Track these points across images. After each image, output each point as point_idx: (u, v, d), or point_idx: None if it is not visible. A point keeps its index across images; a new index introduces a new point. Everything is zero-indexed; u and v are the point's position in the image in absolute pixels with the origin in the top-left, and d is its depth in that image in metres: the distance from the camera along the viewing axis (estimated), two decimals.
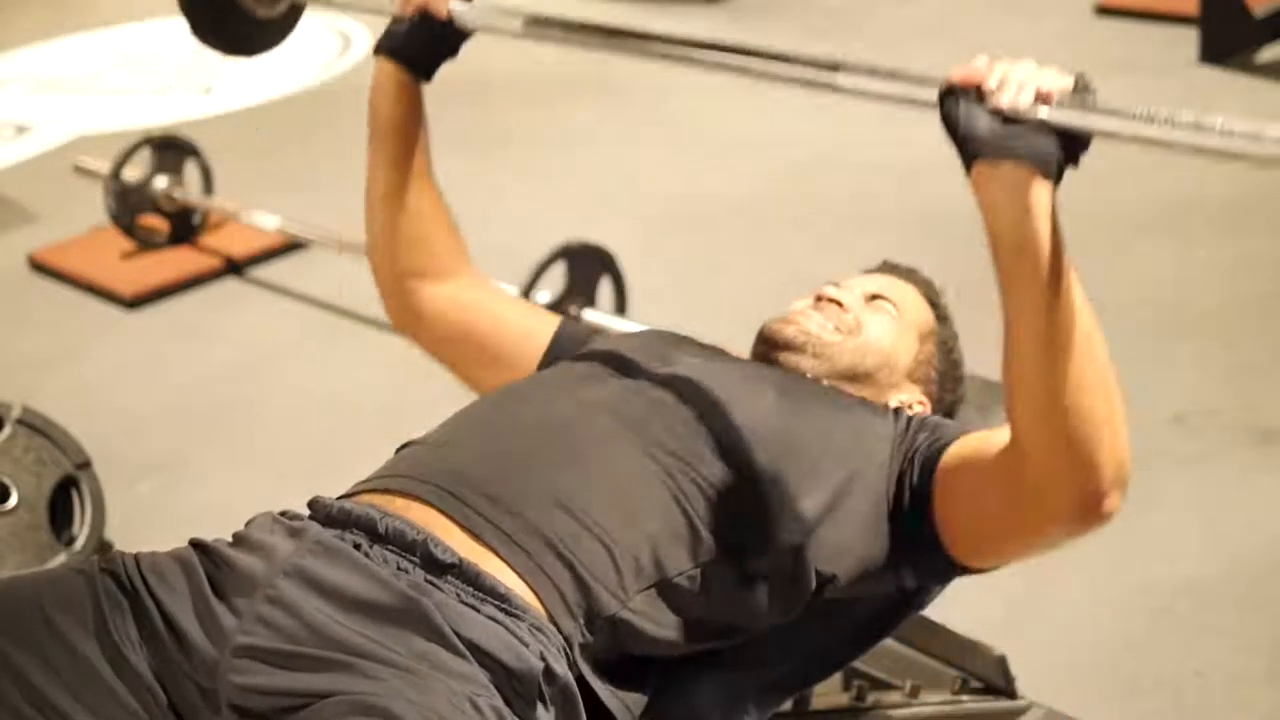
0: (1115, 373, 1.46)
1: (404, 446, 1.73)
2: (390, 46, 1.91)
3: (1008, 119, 1.39)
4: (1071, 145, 1.39)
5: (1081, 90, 1.39)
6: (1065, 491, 1.46)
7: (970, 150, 1.41)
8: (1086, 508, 1.46)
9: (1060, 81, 1.39)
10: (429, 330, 1.97)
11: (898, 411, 1.72)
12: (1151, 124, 1.33)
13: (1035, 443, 1.47)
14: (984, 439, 1.61)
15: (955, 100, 1.41)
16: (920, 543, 1.62)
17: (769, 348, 1.83)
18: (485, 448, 1.64)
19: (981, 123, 1.39)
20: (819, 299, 1.86)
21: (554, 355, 1.89)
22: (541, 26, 1.81)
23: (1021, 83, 1.39)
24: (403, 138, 1.93)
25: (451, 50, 1.92)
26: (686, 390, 1.68)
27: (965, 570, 1.64)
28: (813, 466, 1.62)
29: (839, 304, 1.84)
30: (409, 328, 1.99)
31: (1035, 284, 1.41)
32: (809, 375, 1.78)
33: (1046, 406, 1.44)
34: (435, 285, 1.95)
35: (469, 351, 1.95)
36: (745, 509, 1.60)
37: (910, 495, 1.62)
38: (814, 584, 1.62)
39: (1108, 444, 1.44)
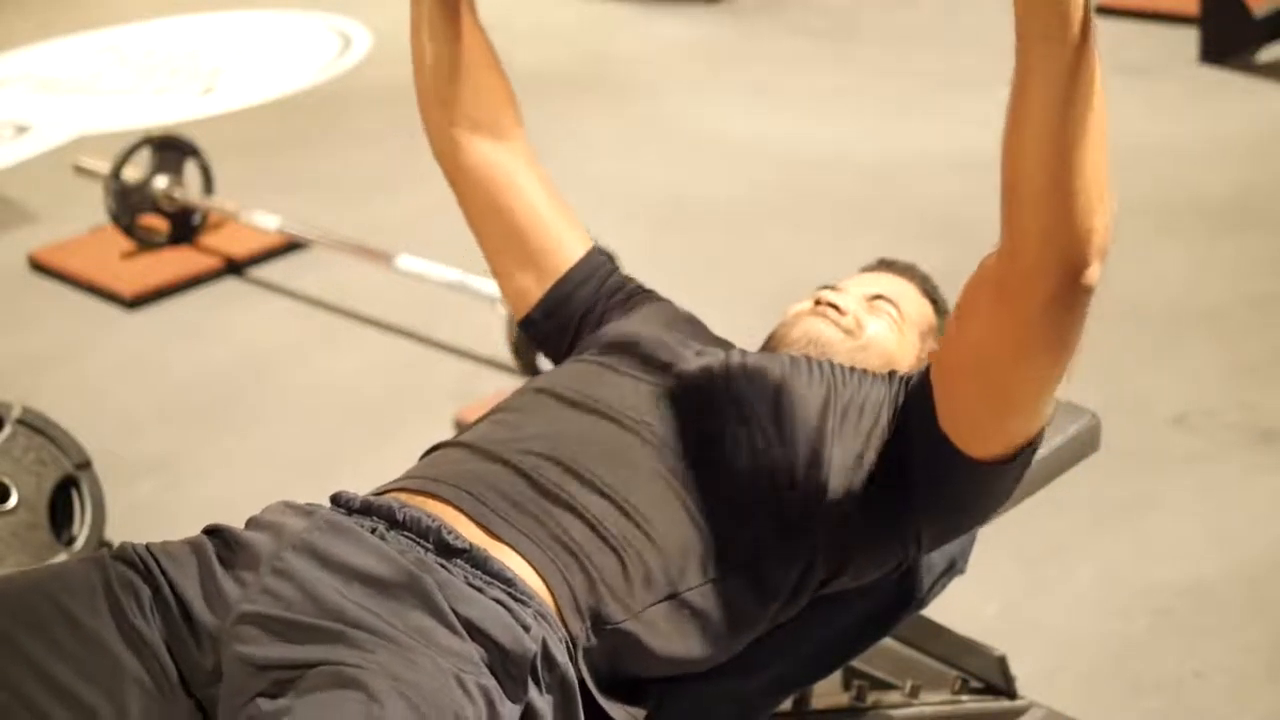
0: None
1: (430, 450, 1.74)
2: None
3: None
4: None
5: None
6: (1055, 260, 1.42)
7: None
8: (1072, 277, 1.42)
9: None
10: (467, 182, 1.93)
11: (892, 374, 1.73)
12: None
13: (1035, 206, 1.42)
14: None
15: None
16: (928, 458, 1.60)
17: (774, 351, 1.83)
18: (507, 452, 1.64)
19: None
20: (817, 303, 1.86)
21: (572, 282, 1.90)
22: None
23: None
24: None
25: None
26: (704, 393, 1.69)
27: (971, 466, 1.59)
28: (818, 460, 1.62)
29: (836, 307, 1.84)
30: (450, 173, 1.95)
31: (1064, 33, 1.34)
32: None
33: (1054, 162, 1.39)
34: (480, 137, 1.92)
35: (499, 228, 1.93)
36: (759, 518, 1.61)
37: (911, 411, 1.62)
38: (821, 578, 1.64)
39: (1100, 211, 1.42)
